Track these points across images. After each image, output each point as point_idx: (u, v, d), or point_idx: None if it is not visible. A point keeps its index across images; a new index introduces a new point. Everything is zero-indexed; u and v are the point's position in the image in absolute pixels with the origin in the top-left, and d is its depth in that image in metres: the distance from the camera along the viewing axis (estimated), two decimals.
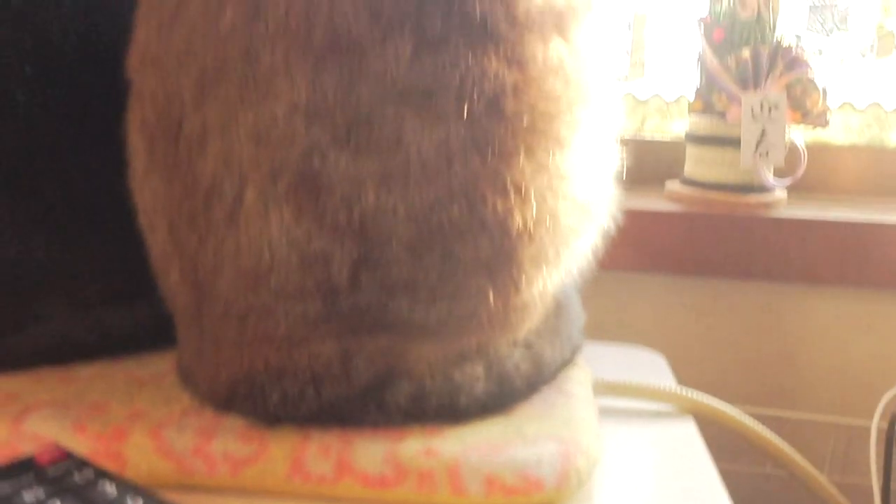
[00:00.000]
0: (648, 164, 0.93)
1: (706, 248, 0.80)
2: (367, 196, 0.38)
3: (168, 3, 0.40)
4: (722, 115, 0.80)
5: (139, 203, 0.44)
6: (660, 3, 1.21)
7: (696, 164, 0.85)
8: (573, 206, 0.43)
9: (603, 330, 0.63)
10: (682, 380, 0.66)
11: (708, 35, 0.80)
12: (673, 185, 0.88)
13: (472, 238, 0.40)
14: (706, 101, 0.81)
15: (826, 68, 1.04)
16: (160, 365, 0.50)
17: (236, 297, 0.40)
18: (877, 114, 0.94)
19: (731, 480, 0.49)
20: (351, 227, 0.38)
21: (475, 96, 0.38)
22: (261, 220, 0.38)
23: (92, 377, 0.48)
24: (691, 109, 0.83)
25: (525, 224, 0.41)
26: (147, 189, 0.43)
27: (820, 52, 1.16)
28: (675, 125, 0.95)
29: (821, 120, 0.76)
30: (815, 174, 0.91)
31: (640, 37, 1.18)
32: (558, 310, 0.51)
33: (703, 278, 0.83)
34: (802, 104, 0.76)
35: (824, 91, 0.77)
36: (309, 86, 0.37)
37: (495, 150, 0.39)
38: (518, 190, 0.40)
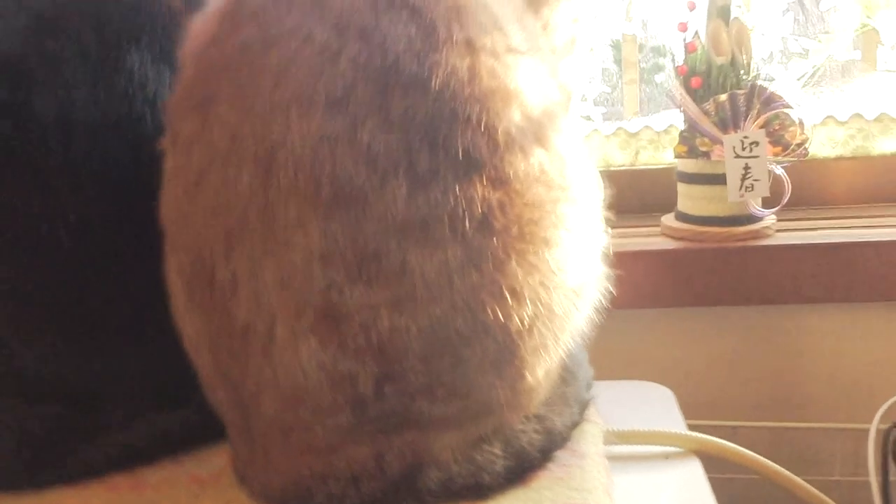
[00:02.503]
0: (645, 194, 0.96)
1: (703, 280, 0.84)
2: (382, 320, 0.43)
3: (192, 168, 0.45)
4: (706, 154, 0.83)
5: (183, 332, 0.49)
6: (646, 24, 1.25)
7: (687, 200, 0.88)
8: (566, 294, 0.48)
9: (611, 368, 0.67)
10: (690, 404, 0.71)
11: (686, 84, 0.83)
12: (668, 220, 0.91)
13: (478, 342, 0.44)
14: (690, 145, 0.84)
15: (808, 73, 1.06)
16: (217, 462, 0.55)
17: (277, 416, 0.46)
18: (859, 125, 0.97)
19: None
20: (370, 348, 0.43)
21: (466, 220, 0.43)
22: (291, 350, 0.43)
23: (159, 483, 0.53)
24: (677, 153, 0.86)
25: (523, 322, 0.45)
26: (189, 324, 0.48)
27: (805, 53, 1.19)
28: (667, 154, 0.98)
29: (801, 152, 0.80)
30: (804, 190, 0.93)
31: (631, 56, 1.22)
32: (564, 378, 0.56)
33: (703, 308, 0.87)
34: (782, 138, 0.80)
35: (801, 122, 0.80)
36: (321, 234, 0.42)
37: (489, 263, 0.43)
38: (514, 293, 0.44)
